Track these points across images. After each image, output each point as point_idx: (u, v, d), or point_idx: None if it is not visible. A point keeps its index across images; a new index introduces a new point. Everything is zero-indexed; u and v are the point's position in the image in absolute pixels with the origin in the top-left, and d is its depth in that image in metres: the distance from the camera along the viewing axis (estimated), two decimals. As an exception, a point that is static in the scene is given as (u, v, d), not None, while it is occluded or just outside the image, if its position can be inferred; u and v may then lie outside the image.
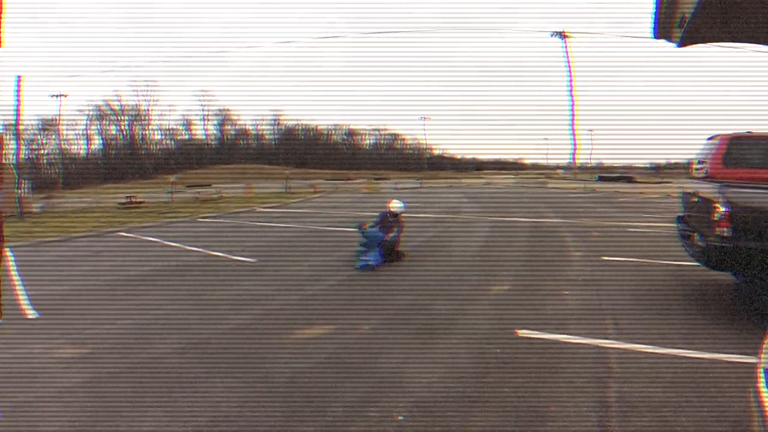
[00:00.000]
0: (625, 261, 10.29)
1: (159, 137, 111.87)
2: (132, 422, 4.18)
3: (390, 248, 10.77)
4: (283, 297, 8.14)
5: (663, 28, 4.82)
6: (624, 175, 66.87)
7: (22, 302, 8.19)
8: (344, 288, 8.72)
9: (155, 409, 4.39)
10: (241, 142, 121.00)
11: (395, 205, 11.58)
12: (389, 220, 11.18)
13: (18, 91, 31.45)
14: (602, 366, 5.03)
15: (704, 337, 5.70)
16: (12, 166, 33.03)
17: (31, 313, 7.61)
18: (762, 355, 2.89)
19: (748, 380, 3.05)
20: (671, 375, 4.74)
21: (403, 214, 11.57)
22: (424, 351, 5.60)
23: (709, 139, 8.86)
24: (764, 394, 2.63)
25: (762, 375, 2.75)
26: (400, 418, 4.08)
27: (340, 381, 4.86)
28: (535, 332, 6.03)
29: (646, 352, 5.32)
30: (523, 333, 6.02)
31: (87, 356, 5.76)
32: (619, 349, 5.45)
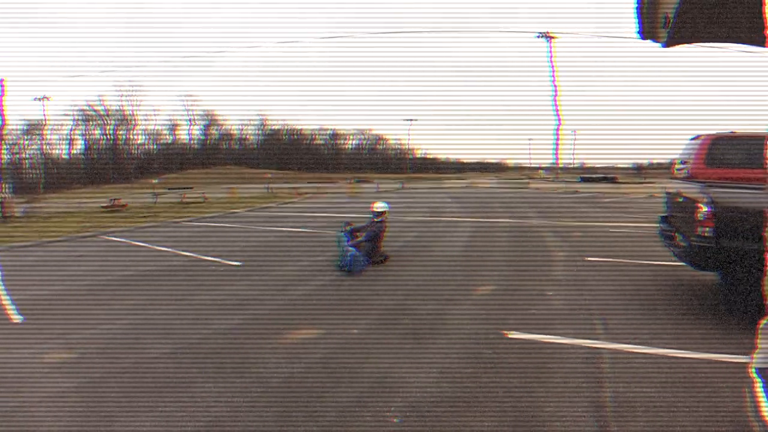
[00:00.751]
0: (609, 261, 10.36)
1: (142, 140, 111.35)
2: (122, 426, 4.15)
3: (371, 249, 10.79)
4: (270, 300, 8.11)
5: (647, 29, 4.86)
6: (606, 175, 67.31)
7: (6, 306, 8.11)
8: (331, 290, 8.70)
9: (145, 414, 4.34)
10: (224, 144, 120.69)
11: (379, 205, 11.59)
12: (373, 226, 11.21)
13: (2, 93, 31.02)
14: (594, 367, 5.06)
15: (693, 337, 5.75)
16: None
17: (15, 318, 7.54)
18: (754, 355, 2.93)
19: (740, 380, 3.09)
20: (664, 375, 4.78)
21: (386, 213, 11.52)
22: (414, 353, 5.60)
23: (692, 139, 8.96)
24: (759, 393, 2.67)
25: (755, 374, 2.79)
26: (396, 420, 4.09)
27: (332, 384, 4.85)
28: (524, 334, 6.06)
29: (637, 353, 5.36)
30: (513, 335, 6.05)
31: (75, 360, 5.70)
32: (609, 349, 5.49)
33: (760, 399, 2.65)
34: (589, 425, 3.90)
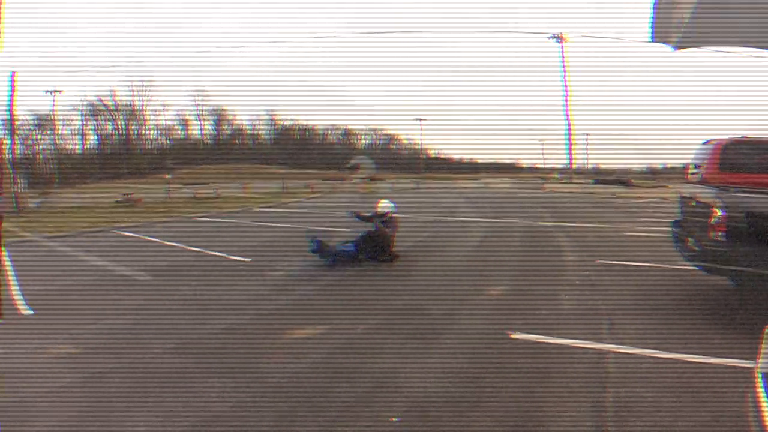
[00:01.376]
0: (621, 264, 10.29)
1: (155, 135, 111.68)
2: (124, 421, 4.17)
3: (378, 244, 10.84)
4: (277, 297, 8.13)
5: (661, 32, 4.82)
6: (620, 178, 66.90)
7: (16, 299, 8.17)
8: (339, 288, 8.71)
9: (147, 408, 4.37)
10: (237, 141, 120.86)
11: (384, 204, 11.45)
12: (382, 220, 11.15)
13: (13, 87, 31.31)
14: (598, 369, 5.03)
15: (702, 342, 5.69)
16: (8, 163, 32.87)
17: (24, 311, 7.60)
18: (759, 359, 2.91)
19: (745, 384, 3.06)
20: (668, 379, 4.74)
21: (390, 214, 11.31)
22: (419, 353, 5.59)
23: (704, 143, 8.89)
24: (762, 398, 2.65)
25: (760, 379, 2.76)
26: (395, 419, 4.08)
27: (335, 382, 4.85)
28: (529, 335, 6.03)
29: (642, 356, 5.32)
30: (517, 336, 6.02)
31: (80, 354, 5.74)
32: (614, 352, 5.45)
33: (763, 404, 2.62)
34: (590, 427, 3.89)
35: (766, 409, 2.58)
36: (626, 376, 4.84)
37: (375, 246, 10.71)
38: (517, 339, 5.92)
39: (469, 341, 5.95)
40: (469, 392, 4.57)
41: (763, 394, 2.66)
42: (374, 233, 10.80)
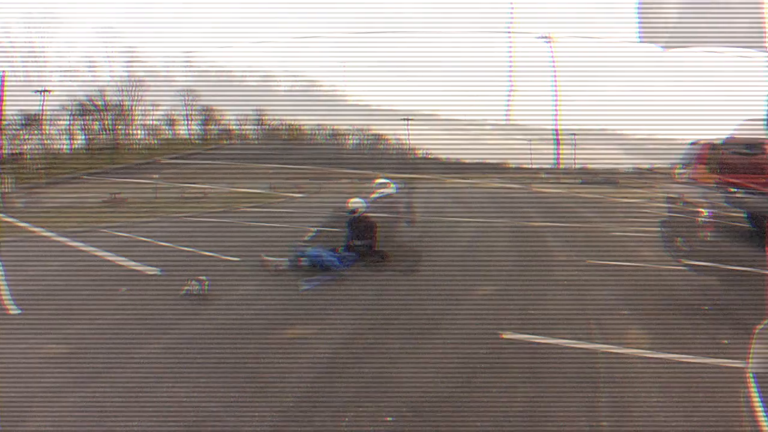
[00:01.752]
0: (609, 264, 10.32)
1: (142, 135, 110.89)
2: (117, 421, 4.15)
3: (365, 251, 10.58)
4: (269, 297, 8.11)
5: (648, 32, 4.85)
6: (608, 179, 66.97)
7: (3, 298, 8.10)
8: (327, 289, 8.66)
9: (140, 408, 4.35)
10: (225, 141, 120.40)
11: (355, 201, 10.96)
12: (358, 224, 10.74)
13: (2, 86, 30.91)
14: (591, 369, 5.05)
15: (692, 342, 5.71)
16: (-5, 162, 32.52)
17: (13, 310, 7.53)
18: (750, 359, 2.93)
19: (738, 384, 3.08)
20: (660, 379, 4.76)
21: (360, 211, 10.80)
22: (411, 352, 5.60)
23: (691, 144, 8.96)
24: (754, 397, 2.67)
25: (751, 378, 2.79)
26: (390, 419, 4.08)
27: (328, 381, 4.85)
28: (520, 334, 6.04)
29: (633, 356, 5.34)
30: (510, 336, 6.03)
31: (70, 354, 5.70)
32: (606, 352, 5.47)
33: (755, 403, 2.65)
34: (583, 427, 3.90)
35: (758, 408, 2.61)
36: (617, 375, 4.86)
37: (358, 257, 10.45)
38: (508, 339, 5.93)
39: (460, 341, 5.96)
40: (461, 392, 4.58)
41: (755, 393, 2.69)
42: (353, 249, 10.48)
